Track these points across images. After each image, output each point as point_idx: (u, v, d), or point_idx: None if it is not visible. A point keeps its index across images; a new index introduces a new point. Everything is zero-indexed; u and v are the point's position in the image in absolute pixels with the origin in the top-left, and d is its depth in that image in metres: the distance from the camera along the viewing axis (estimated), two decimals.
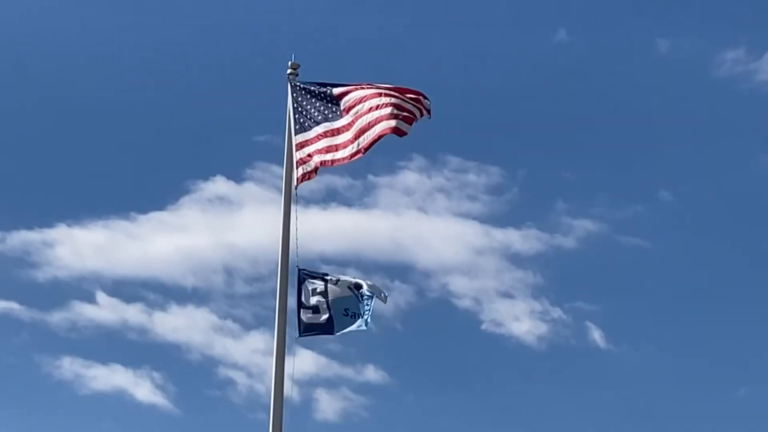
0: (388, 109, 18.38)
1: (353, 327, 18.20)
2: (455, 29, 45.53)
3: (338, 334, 18.27)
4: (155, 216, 42.68)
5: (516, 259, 41.50)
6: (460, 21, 45.68)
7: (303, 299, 18.24)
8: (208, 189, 42.75)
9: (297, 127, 18.80)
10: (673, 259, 42.96)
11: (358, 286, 18.25)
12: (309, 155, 18.54)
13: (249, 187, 42.77)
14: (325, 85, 19.06)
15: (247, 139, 43.70)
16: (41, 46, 45.28)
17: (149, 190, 44.32)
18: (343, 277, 18.36)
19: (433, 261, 41.72)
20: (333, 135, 18.57)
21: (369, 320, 18.15)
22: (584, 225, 41.96)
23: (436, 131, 43.98)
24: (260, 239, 40.89)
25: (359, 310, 18.18)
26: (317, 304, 18.20)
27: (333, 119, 18.72)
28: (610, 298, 41.76)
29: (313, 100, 18.94)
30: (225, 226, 42.93)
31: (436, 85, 44.23)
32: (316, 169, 18.48)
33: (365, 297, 18.18)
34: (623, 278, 42.54)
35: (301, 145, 18.65)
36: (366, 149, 18.28)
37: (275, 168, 41.45)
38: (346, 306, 18.19)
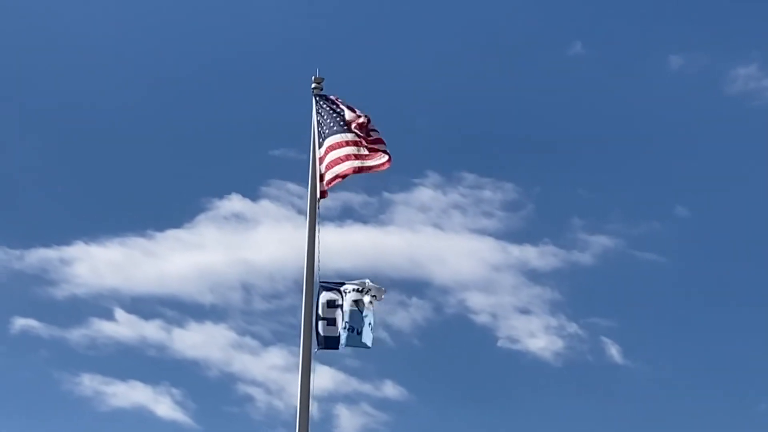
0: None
1: (357, 343, 18.27)
2: (471, 43, 45.72)
3: (342, 348, 18.30)
4: (172, 234, 42.83)
5: (533, 275, 41.56)
6: (476, 35, 45.90)
7: (320, 312, 18.30)
8: (223, 207, 42.91)
9: (320, 140, 18.88)
10: (690, 274, 42.99)
11: (358, 302, 18.28)
12: (326, 166, 18.65)
13: (264, 204, 42.91)
14: (338, 105, 19.19)
15: (263, 152, 43.91)
16: (54, 61, 45.59)
17: (165, 208, 44.44)
18: (350, 291, 18.37)
19: (449, 277, 41.79)
20: (349, 145, 18.71)
21: (369, 336, 18.19)
22: (600, 241, 42.01)
23: (450, 148, 44.37)
24: (277, 256, 41.06)
25: (360, 325, 18.24)
26: (335, 317, 18.26)
27: (344, 132, 18.85)
28: (627, 313, 41.77)
29: (332, 113, 19.02)
30: (241, 243, 43.04)
31: (451, 100, 44.53)
32: (344, 176, 18.58)
33: (364, 313, 18.21)
34: (640, 294, 42.54)
35: (321, 159, 18.74)
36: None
37: (291, 185, 41.70)
38: (353, 322, 18.23)
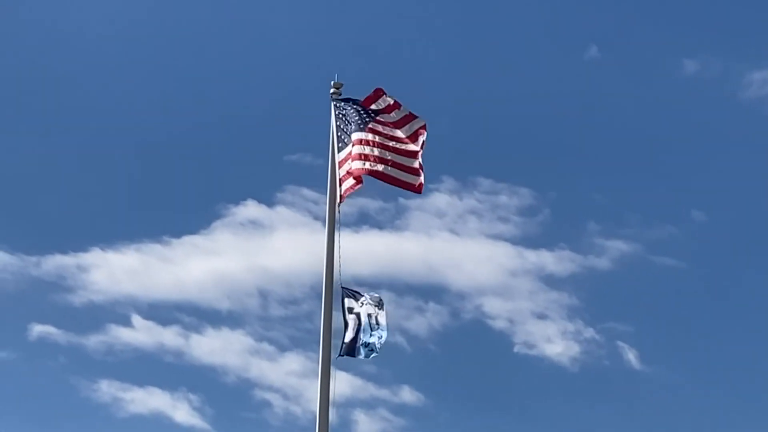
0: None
1: (369, 354, 18.25)
2: (486, 47, 45.74)
3: (359, 357, 18.26)
4: (188, 240, 42.90)
5: (550, 281, 41.53)
6: (492, 39, 45.92)
7: (345, 318, 18.29)
8: (239, 213, 42.99)
9: (340, 144, 18.88)
10: (707, 278, 42.91)
11: (372, 317, 18.27)
12: (348, 171, 18.66)
13: (280, 210, 42.98)
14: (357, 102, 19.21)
15: (278, 158, 44.00)
16: (71, 68, 45.74)
17: (182, 215, 44.53)
18: (368, 303, 18.34)
19: (466, 283, 41.77)
20: (364, 144, 18.72)
21: (374, 349, 18.17)
22: (617, 246, 41.96)
23: (466, 153, 44.33)
24: (294, 262, 41.11)
25: (367, 338, 18.20)
26: (348, 322, 18.22)
27: (362, 128, 18.87)
28: (644, 318, 41.72)
29: (352, 113, 19.03)
30: (258, 249, 43.10)
31: (467, 105, 44.54)
32: (359, 178, 18.54)
33: (375, 328, 18.20)
34: (657, 298, 42.48)
35: (342, 163, 18.73)
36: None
37: (306, 191, 41.77)
38: (365, 335, 18.15)
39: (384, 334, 18.11)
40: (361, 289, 18.45)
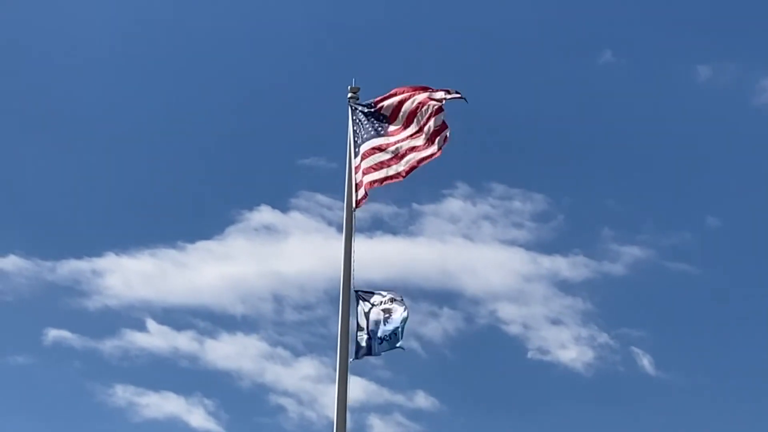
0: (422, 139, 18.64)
1: (387, 349, 18.27)
2: (500, 52, 45.79)
3: (382, 353, 18.28)
4: (202, 245, 42.99)
5: (564, 286, 41.52)
6: (505, 43, 45.96)
7: (359, 321, 18.34)
8: (253, 218, 43.08)
9: (357, 150, 18.92)
10: (721, 284, 42.88)
11: (387, 311, 18.30)
12: (363, 172, 18.71)
13: (294, 215, 43.06)
14: (374, 105, 19.24)
15: (291, 162, 44.11)
16: (84, 73, 45.90)
17: (196, 220, 44.65)
18: (379, 300, 18.38)
19: (480, 288, 41.79)
20: (379, 151, 18.77)
21: (398, 341, 18.20)
22: (631, 251, 41.95)
23: (480, 158, 44.32)
24: (308, 267, 41.20)
25: (386, 333, 18.25)
26: (362, 325, 18.29)
27: (380, 134, 18.90)
28: (659, 324, 41.71)
29: (368, 119, 19.06)
30: (272, 254, 43.18)
31: (480, 110, 44.51)
32: (366, 194, 18.63)
33: (394, 320, 18.24)
34: (671, 304, 42.47)
35: (358, 168, 18.77)
36: (407, 174, 18.59)
37: (319, 196, 41.86)
38: (377, 329, 18.25)
39: (396, 327, 18.13)
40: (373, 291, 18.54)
